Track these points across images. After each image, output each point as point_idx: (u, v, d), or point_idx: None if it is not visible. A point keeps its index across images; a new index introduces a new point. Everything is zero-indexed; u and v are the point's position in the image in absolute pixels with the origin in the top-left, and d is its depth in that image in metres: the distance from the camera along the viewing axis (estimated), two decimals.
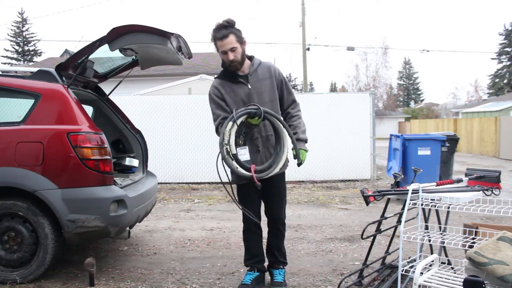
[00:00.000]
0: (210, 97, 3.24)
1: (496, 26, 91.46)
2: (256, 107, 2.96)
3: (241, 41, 3.11)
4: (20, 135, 3.42)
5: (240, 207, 3.19)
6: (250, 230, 3.35)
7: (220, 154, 2.89)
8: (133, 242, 4.72)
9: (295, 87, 54.69)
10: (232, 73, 3.19)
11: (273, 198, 3.30)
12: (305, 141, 3.26)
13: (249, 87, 3.17)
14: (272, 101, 3.21)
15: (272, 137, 3.17)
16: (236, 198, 3.24)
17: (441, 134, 7.88)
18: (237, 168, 2.90)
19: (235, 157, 2.90)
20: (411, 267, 2.75)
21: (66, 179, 3.38)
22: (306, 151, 3.21)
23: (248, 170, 2.94)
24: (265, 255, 3.43)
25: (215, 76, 3.32)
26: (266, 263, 3.44)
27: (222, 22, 3.08)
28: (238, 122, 2.91)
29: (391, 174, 7.79)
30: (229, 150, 2.88)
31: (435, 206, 2.77)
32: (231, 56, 3.08)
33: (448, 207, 2.81)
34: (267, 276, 3.43)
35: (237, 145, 2.92)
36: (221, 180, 3.03)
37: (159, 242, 4.74)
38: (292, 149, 3.15)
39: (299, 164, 3.20)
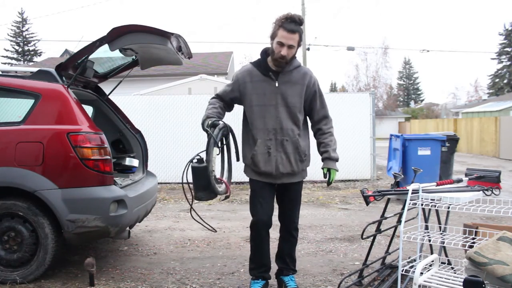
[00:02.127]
0: (233, 76, 3.19)
1: (496, 26, 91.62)
2: (223, 125, 2.94)
3: (299, 44, 3.02)
4: (20, 135, 3.41)
5: (196, 220, 3.12)
6: (259, 232, 3.13)
7: (208, 176, 2.81)
8: (133, 242, 4.72)
9: None
10: (266, 66, 3.08)
11: (290, 204, 3.22)
12: (336, 159, 3.14)
13: (276, 85, 3.05)
14: (294, 107, 3.06)
15: (287, 142, 3.06)
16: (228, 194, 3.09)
17: (441, 134, 7.88)
18: (219, 189, 2.89)
19: (216, 180, 2.88)
20: (411, 267, 2.75)
21: (66, 179, 3.38)
22: (336, 170, 3.14)
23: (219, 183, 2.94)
24: (271, 262, 3.28)
25: (251, 61, 3.22)
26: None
27: (295, 17, 2.94)
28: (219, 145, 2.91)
29: (391, 174, 7.79)
30: (215, 175, 2.86)
31: (435, 206, 2.77)
32: (285, 51, 2.94)
33: (448, 207, 2.81)
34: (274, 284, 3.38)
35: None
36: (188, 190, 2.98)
37: (159, 242, 4.74)
38: (323, 168, 3.14)
39: (329, 184, 3.19)
